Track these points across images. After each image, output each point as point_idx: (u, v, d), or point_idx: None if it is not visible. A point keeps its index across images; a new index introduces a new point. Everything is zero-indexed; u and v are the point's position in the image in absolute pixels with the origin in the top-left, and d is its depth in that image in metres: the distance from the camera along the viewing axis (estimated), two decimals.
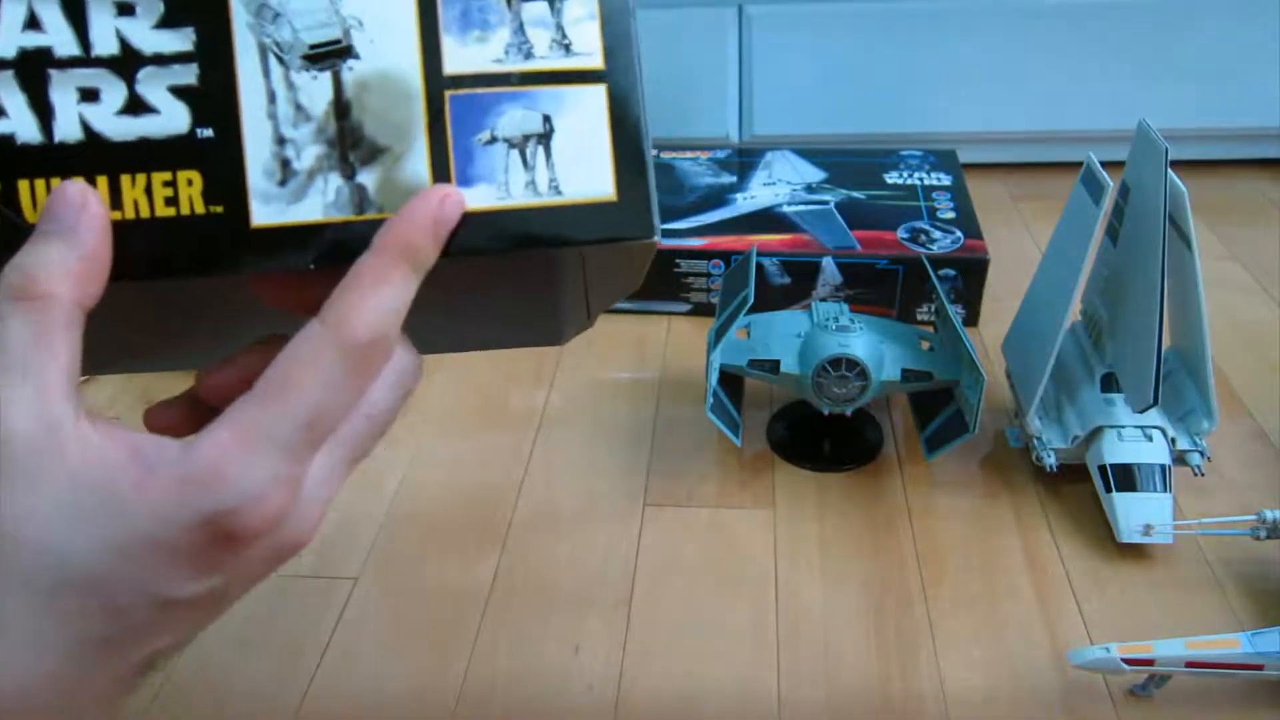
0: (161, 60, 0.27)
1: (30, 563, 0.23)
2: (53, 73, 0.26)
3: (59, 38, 0.26)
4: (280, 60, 0.27)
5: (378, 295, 0.25)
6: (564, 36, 0.29)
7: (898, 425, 0.75)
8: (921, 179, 0.98)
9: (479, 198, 0.28)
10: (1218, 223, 1.01)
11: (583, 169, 0.29)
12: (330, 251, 0.27)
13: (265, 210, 0.27)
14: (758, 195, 0.96)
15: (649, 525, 0.66)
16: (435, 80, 0.28)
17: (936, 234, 0.88)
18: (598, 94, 0.29)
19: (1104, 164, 0.61)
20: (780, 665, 0.56)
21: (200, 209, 0.27)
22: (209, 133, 0.27)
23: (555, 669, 0.56)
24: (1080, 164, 0.64)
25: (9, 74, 0.26)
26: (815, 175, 1.00)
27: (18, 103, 0.26)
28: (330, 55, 0.28)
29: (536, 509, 0.68)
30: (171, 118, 0.27)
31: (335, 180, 0.28)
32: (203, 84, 0.27)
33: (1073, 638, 0.57)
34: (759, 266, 0.86)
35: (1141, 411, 0.61)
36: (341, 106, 0.28)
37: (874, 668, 0.55)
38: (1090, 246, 0.60)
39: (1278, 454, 0.70)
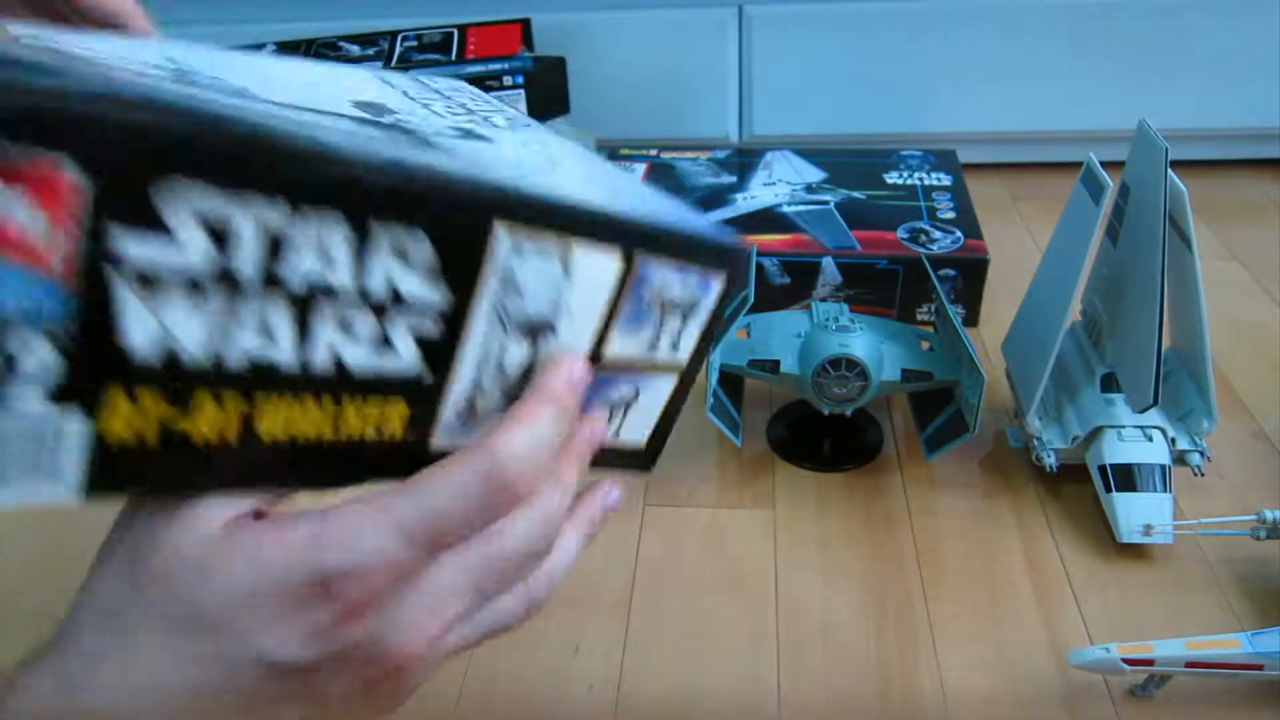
0: (416, 308, 0.27)
1: (169, 600, 0.25)
2: (324, 303, 0.26)
3: (340, 272, 0.26)
4: (503, 325, 0.30)
5: (529, 428, 0.29)
6: (677, 341, 0.35)
7: (898, 425, 0.75)
8: (921, 179, 0.98)
9: None
10: (1218, 223, 1.01)
11: (637, 425, 0.37)
12: None
13: (443, 438, 0.30)
14: (758, 195, 0.96)
15: (649, 525, 0.66)
16: (594, 359, 0.33)
17: (936, 234, 0.88)
18: (672, 380, 0.37)
19: (1104, 164, 0.61)
20: (780, 665, 0.56)
21: (398, 435, 0.29)
22: (430, 377, 0.29)
23: (555, 669, 0.56)
24: (1080, 164, 0.64)
25: (284, 299, 0.25)
26: (815, 175, 1.00)
27: (285, 328, 0.25)
28: (542, 329, 0.31)
29: None
30: (406, 359, 0.28)
31: (496, 418, 0.31)
32: (440, 334, 0.28)
33: (1073, 638, 0.57)
34: (759, 266, 0.86)
35: (1141, 411, 0.61)
36: (530, 371, 0.31)
37: (874, 668, 0.55)
38: (1090, 246, 0.60)
39: (1278, 454, 0.70)
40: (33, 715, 0.26)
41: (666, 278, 0.33)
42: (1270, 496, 0.66)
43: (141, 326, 0.23)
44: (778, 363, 0.68)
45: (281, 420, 0.26)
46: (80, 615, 0.27)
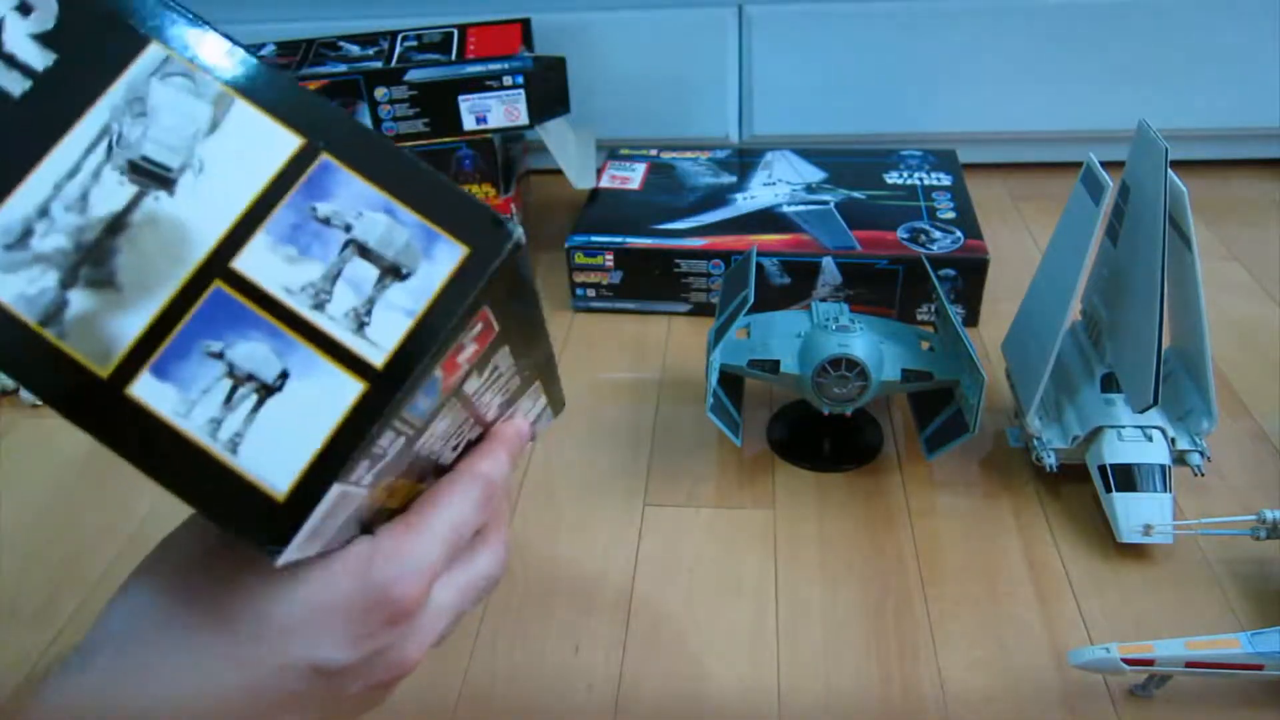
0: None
1: (243, 609, 0.28)
2: None
3: None
4: (109, 147, 0.26)
5: (496, 457, 0.35)
6: (367, 314, 0.26)
7: (898, 425, 0.75)
8: (921, 179, 0.98)
9: (164, 400, 0.25)
10: (1218, 223, 1.01)
11: (279, 447, 0.25)
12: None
13: None
14: (758, 195, 0.96)
15: (649, 525, 0.66)
16: (217, 263, 0.26)
17: (936, 234, 0.88)
18: (350, 390, 0.25)
19: (1104, 164, 0.61)
20: (780, 665, 0.56)
21: None
22: None
23: (555, 669, 0.56)
24: (1080, 164, 0.64)
25: None
26: (815, 175, 1.00)
27: None
28: (155, 179, 0.26)
29: (537, 509, 0.68)
30: None
31: (45, 272, 0.26)
32: (22, 93, 0.26)
33: (1073, 638, 0.57)
34: (759, 266, 0.86)
35: (1141, 411, 0.61)
36: (118, 223, 0.26)
37: (874, 667, 0.55)
38: (1090, 246, 0.60)
39: (1278, 454, 0.70)
40: (79, 713, 0.27)
41: (361, 202, 0.27)
42: (1270, 496, 0.66)
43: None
44: (778, 363, 0.68)
45: None
46: (129, 620, 0.28)
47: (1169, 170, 0.56)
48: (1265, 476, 0.68)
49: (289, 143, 0.27)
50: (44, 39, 0.26)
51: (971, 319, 0.87)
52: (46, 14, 0.26)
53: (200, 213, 0.26)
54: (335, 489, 0.25)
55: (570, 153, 0.98)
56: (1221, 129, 1.11)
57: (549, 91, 0.95)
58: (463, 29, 0.99)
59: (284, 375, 0.26)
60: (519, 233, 0.27)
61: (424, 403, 0.28)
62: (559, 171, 0.95)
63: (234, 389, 0.25)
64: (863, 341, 0.65)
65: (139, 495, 0.69)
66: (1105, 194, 0.59)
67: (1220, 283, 0.92)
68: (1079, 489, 0.66)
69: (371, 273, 0.26)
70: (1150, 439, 0.63)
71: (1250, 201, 1.08)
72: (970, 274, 0.85)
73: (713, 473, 0.70)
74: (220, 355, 0.25)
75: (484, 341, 0.29)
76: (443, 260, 0.27)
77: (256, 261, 0.26)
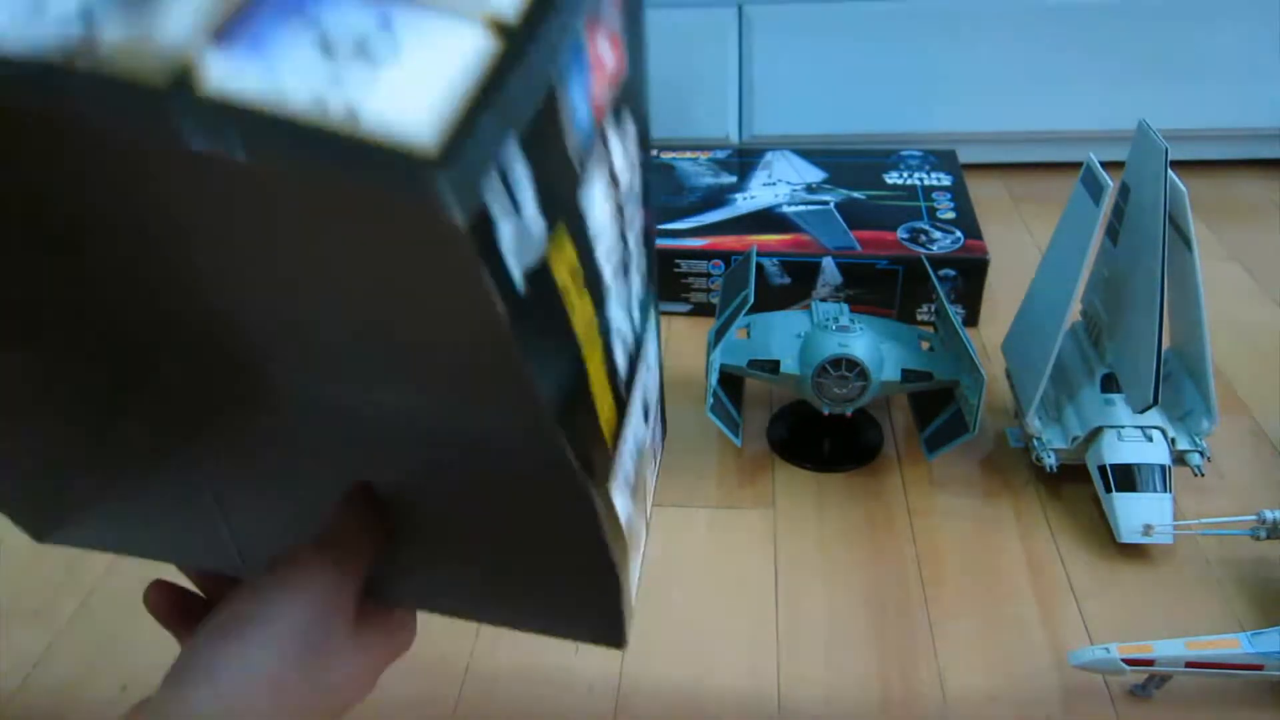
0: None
1: (338, 677, 0.35)
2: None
3: None
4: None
5: None
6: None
7: (898, 425, 0.75)
8: (921, 179, 0.98)
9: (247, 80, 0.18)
10: (1218, 223, 1.01)
11: (400, 93, 0.18)
12: None
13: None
14: (758, 195, 0.96)
15: (649, 525, 0.66)
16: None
17: (936, 234, 0.88)
18: (481, 41, 0.19)
19: (1104, 164, 0.61)
20: (780, 665, 0.56)
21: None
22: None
23: (555, 669, 0.56)
24: (1080, 164, 0.64)
25: None
26: (815, 175, 1.00)
27: None
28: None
29: None
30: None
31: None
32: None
33: (1073, 638, 0.57)
34: (759, 266, 0.86)
35: (1141, 411, 0.61)
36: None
37: (874, 668, 0.55)
38: (1090, 246, 0.60)
39: (1278, 454, 0.70)
40: None
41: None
42: (1270, 496, 0.66)
43: None
44: (778, 363, 0.68)
45: None
46: (251, 686, 0.32)
47: (1169, 170, 0.56)
48: (1265, 476, 0.68)
49: None
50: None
51: (971, 319, 0.87)
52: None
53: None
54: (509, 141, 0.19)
55: None
56: (1221, 129, 1.11)
57: None
58: None
59: (393, 38, 0.19)
60: None
61: (579, 99, 0.21)
62: None
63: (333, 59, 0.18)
64: (863, 341, 0.65)
65: None
66: (1105, 194, 0.59)
67: (1220, 283, 0.92)
68: (1079, 489, 0.66)
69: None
70: (1150, 439, 0.63)
71: (1250, 202, 1.08)
72: (970, 274, 0.85)
73: (713, 473, 0.70)
74: (308, 25, 0.18)
75: (615, 60, 0.23)
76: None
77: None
